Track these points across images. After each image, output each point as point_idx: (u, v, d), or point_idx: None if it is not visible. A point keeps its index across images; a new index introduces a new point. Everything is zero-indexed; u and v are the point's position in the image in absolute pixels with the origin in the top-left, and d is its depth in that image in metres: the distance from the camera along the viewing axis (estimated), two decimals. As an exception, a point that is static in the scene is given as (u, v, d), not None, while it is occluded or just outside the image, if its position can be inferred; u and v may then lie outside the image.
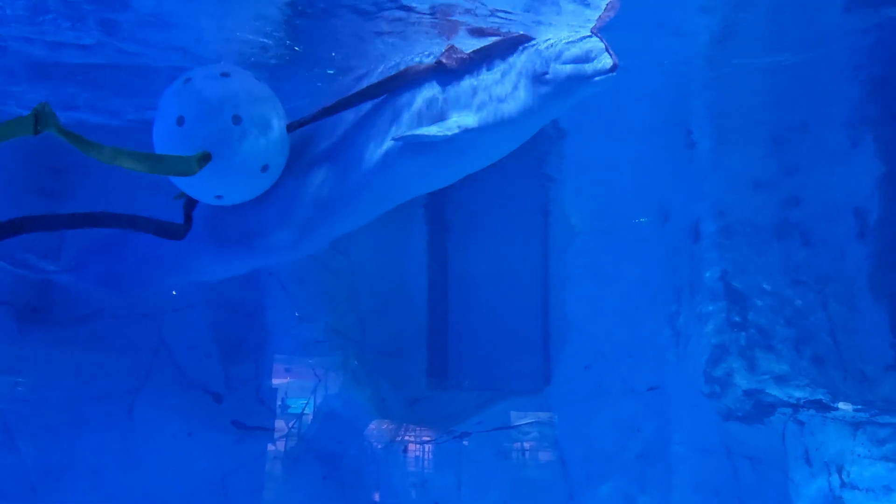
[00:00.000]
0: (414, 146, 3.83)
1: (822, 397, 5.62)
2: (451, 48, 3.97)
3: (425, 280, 8.38)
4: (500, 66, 3.82)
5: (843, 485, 5.29)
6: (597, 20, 4.24)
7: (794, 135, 6.39)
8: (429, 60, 3.96)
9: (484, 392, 8.02)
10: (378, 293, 7.96)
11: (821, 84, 5.72)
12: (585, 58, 3.58)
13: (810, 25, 4.82)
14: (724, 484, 6.47)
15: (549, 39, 3.73)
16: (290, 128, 3.98)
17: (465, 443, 7.74)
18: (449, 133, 3.70)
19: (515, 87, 3.72)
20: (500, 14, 4.30)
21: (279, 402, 7.23)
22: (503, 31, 4.24)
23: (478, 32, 4.30)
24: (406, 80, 3.92)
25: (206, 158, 3.65)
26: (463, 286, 8.41)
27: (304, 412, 7.24)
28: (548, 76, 3.65)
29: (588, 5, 4.27)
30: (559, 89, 3.65)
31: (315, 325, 7.23)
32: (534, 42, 3.75)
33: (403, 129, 3.85)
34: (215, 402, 7.07)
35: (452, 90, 3.83)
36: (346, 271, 7.63)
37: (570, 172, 7.76)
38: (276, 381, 7.25)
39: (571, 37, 3.66)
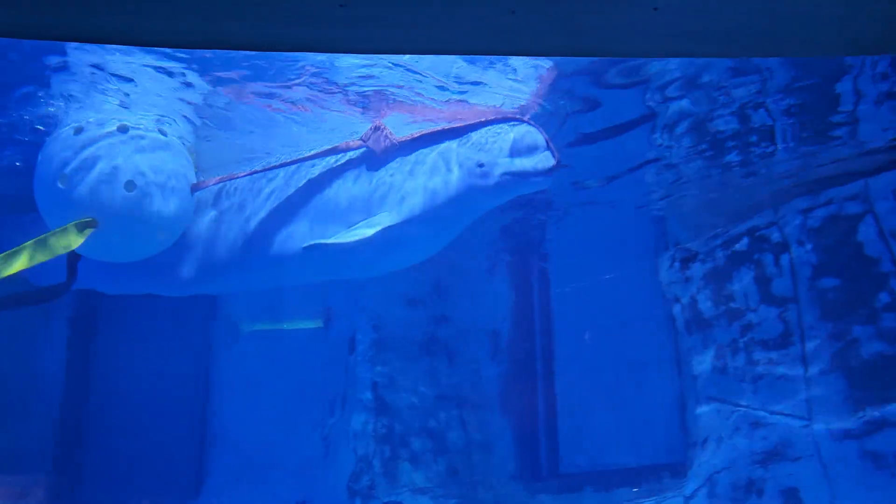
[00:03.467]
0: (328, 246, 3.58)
1: (453, 508, 5.87)
2: (379, 128, 3.66)
3: (62, 381, 7.39)
4: (432, 156, 3.57)
5: None
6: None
7: (444, 256, 6.96)
8: (355, 139, 3.70)
9: (121, 508, 7.12)
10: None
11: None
12: (526, 153, 3.39)
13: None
14: None
15: (488, 131, 3.52)
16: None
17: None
18: (366, 235, 3.43)
19: (446, 180, 3.48)
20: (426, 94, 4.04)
21: None
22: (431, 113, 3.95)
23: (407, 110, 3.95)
24: (334, 162, 3.72)
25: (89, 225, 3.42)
26: (108, 389, 7.54)
27: None
28: (484, 169, 3.42)
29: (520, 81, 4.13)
30: (496, 186, 3.43)
31: None
32: (469, 133, 3.54)
33: (321, 229, 3.62)
34: None
35: (378, 179, 3.57)
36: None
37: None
38: None
39: (508, 130, 3.46)
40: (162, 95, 3.74)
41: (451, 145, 3.54)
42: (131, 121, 3.76)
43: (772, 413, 4.46)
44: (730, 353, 4.69)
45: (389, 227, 3.46)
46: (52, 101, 3.86)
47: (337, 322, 7.05)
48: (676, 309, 5.10)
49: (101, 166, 3.48)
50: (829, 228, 4.36)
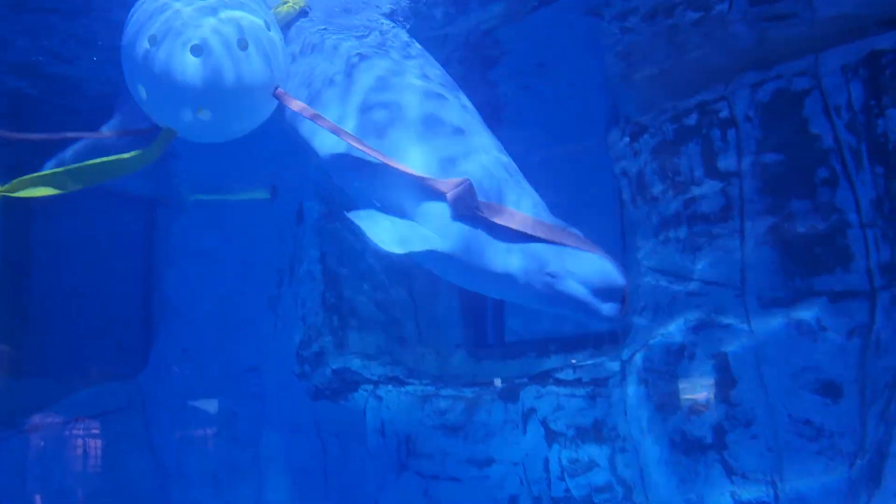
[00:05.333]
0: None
1: (400, 374, 6.07)
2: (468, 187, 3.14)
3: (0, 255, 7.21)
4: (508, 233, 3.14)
5: (409, 453, 5.77)
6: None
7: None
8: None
9: (67, 379, 7.17)
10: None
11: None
12: (601, 294, 3.10)
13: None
14: (313, 462, 6.65)
15: (589, 255, 3.17)
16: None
17: (36, 437, 6.83)
18: (408, 250, 3.04)
19: (508, 255, 3.12)
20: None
21: None
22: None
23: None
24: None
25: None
26: (49, 265, 7.39)
27: None
28: (550, 279, 3.11)
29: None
30: (549, 297, 3.16)
31: None
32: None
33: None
34: None
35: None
36: None
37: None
38: None
39: (593, 258, 3.15)
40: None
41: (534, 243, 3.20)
42: None
43: (707, 283, 4.65)
44: (673, 225, 4.81)
45: (433, 251, 3.15)
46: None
47: (284, 193, 6.96)
48: (623, 182, 5.17)
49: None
50: (776, 103, 4.40)
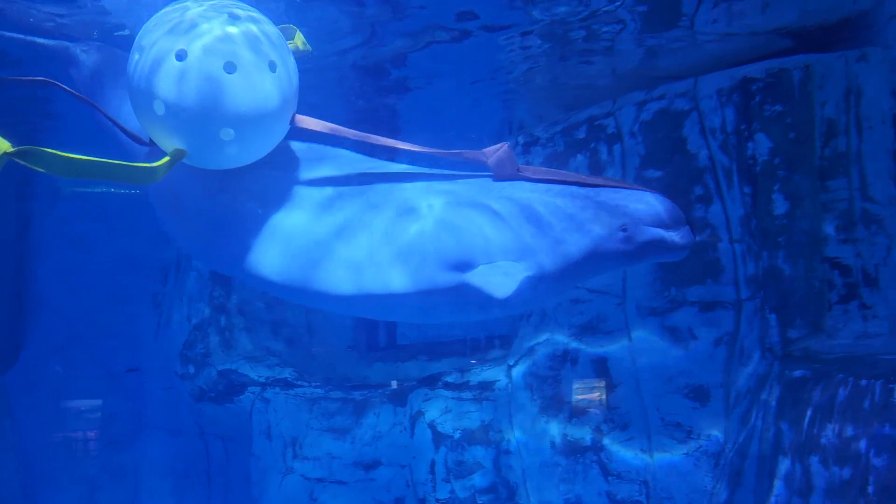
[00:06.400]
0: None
1: (288, 376, 5.98)
2: (507, 151, 3.07)
3: None
4: (574, 202, 3.06)
5: (295, 456, 5.69)
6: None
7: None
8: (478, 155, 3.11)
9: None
10: None
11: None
12: (673, 226, 3.04)
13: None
14: (195, 464, 6.46)
15: (618, 192, 3.09)
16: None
17: None
18: (508, 293, 2.86)
19: (580, 239, 3.01)
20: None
21: None
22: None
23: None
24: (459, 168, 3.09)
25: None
26: None
27: None
28: (627, 234, 3.01)
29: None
30: (635, 252, 3.05)
31: None
32: (598, 189, 3.09)
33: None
34: None
35: (511, 213, 3.01)
36: None
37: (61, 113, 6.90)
38: None
39: (651, 198, 3.08)
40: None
41: (578, 199, 3.11)
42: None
43: (591, 291, 4.84)
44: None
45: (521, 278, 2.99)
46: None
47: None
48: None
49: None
50: (659, 122, 4.63)
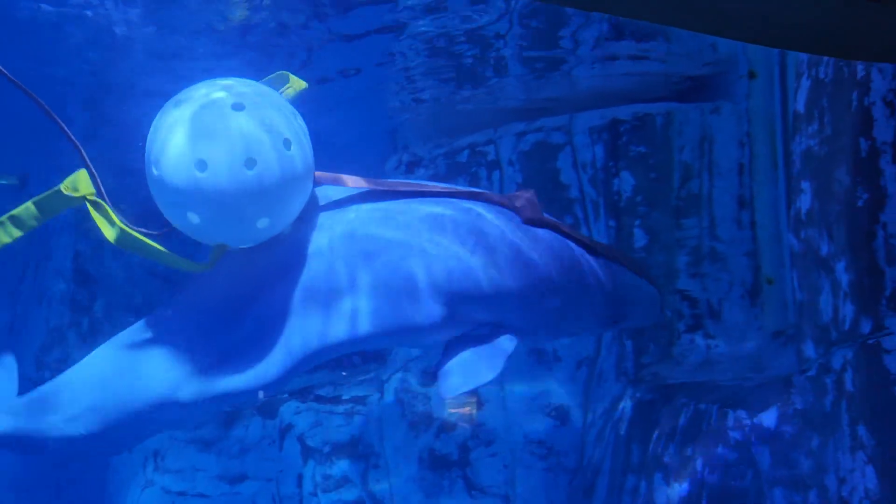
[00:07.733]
0: None
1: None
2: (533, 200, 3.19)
3: None
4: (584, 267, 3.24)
5: (156, 468, 5.50)
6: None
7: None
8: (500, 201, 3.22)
9: None
10: None
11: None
12: (647, 315, 3.57)
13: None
14: (45, 478, 6.09)
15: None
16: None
17: None
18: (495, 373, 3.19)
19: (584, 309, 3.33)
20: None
21: None
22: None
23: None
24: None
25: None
26: None
27: None
28: (615, 322, 3.42)
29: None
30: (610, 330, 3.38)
31: None
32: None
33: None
34: None
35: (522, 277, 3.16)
36: None
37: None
38: None
39: (647, 293, 3.45)
40: None
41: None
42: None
43: (465, 311, 5.00)
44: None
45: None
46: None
47: (36, 183, 6.34)
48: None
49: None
50: (536, 153, 4.89)
